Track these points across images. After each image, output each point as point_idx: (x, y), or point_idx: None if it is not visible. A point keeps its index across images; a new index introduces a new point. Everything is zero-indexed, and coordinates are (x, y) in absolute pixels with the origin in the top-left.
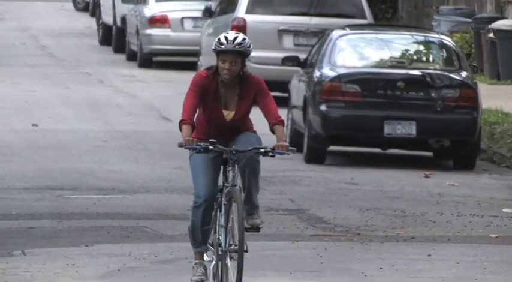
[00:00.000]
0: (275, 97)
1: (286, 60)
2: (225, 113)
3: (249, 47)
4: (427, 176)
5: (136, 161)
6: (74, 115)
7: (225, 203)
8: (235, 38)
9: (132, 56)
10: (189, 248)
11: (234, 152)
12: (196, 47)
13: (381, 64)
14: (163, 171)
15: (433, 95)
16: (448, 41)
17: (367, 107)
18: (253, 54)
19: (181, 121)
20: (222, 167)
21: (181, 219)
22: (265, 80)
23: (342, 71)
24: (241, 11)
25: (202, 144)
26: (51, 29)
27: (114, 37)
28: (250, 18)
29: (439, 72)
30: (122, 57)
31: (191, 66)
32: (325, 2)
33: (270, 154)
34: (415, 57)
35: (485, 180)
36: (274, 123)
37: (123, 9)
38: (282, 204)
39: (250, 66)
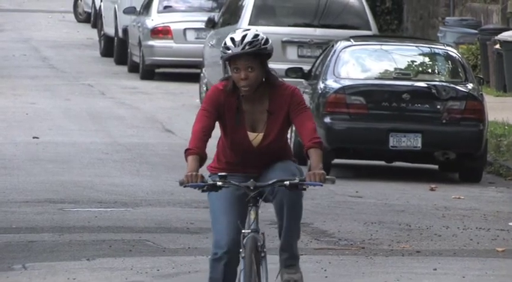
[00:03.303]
0: None
1: (289, 72)
2: (251, 135)
3: (266, 44)
4: (432, 189)
5: (138, 174)
6: (75, 127)
7: (243, 255)
8: (244, 36)
9: (134, 68)
10: (192, 262)
11: (252, 187)
12: (199, 58)
13: (385, 76)
14: (166, 184)
15: (438, 107)
16: (453, 52)
17: (372, 119)
18: None
19: (186, 151)
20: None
21: (183, 232)
22: None
23: (347, 82)
24: (244, 22)
25: (209, 180)
26: (52, 40)
27: (116, 48)
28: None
29: (444, 84)
30: (124, 68)
31: (194, 78)
32: (329, 13)
33: (300, 187)
34: (420, 68)
35: (492, 193)
36: (310, 146)
37: (125, 20)
38: None
39: None
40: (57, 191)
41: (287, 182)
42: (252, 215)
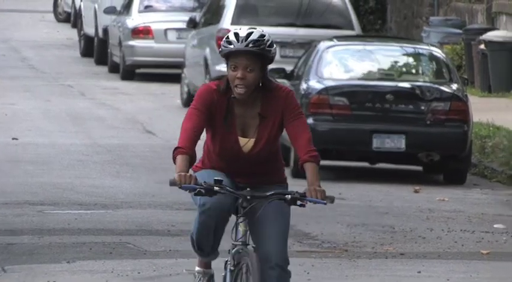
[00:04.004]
0: None
1: (272, 72)
2: (242, 141)
3: (271, 46)
4: (416, 191)
5: (119, 176)
6: (55, 128)
7: (232, 268)
8: (249, 34)
9: (114, 68)
10: (173, 264)
11: (248, 197)
12: (180, 58)
13: (369, 76)
14: (146, 186)
15: (422, 108)
16: (438, 52)
17: (355, 120)
18: None
19: (175, 149)
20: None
21: (164, 235)
22: None
23: (330, 83)
24: (226, 22)
25: (203, 183)
26: (31, 41)
27: (96, 49)
28: None
29: (428, 84)
30: (104, 69)
31: (175, 79)
32: (312, 13)
33: (299, 203)
34: (404, 69)
35: (476, 195)
36: (305, 160)
37: (105, 20)
38: None
39: None
40: (36, 192)
41: (288, 196)
42: (242, 228)
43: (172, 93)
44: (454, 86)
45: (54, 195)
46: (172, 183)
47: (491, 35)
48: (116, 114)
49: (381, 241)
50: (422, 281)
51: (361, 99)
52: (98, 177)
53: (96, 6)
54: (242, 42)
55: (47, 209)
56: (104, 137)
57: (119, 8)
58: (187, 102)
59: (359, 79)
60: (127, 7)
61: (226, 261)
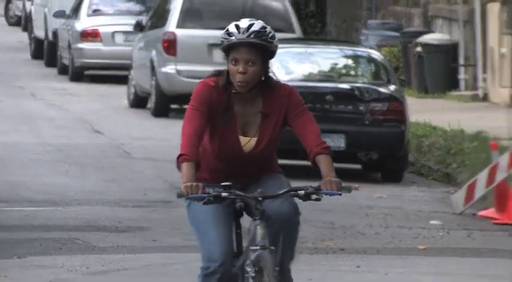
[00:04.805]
0: None
1: (219, 73)
2: (243, 140)
3: (273, 38)
4: (356, 189)
5: (68, 174)
6: (7, 128)
7: (253, 274)
8: (251, 25)
9: (63, 70)
10: (121, 260)
11: (260, 198)
12: (128, 61)
13: (309, 78)
14: (95, 184)
15: (361, 108)
16: (376, 55)
17: None
18: (183, 67)
19: (180, 157)
20: (234, 222)
21: (112, 231)
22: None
23: None
24: (171, 26)
25: (211, 190)
26: None
27: (46, 51)
28: (181, 33)
29: (367, 85)
30: (54, 71)
31: (122, 80)
32: (254, 16)
33: (315, 197)
34: (343, 71)
35: (413, 192)
36: (317, 152)
37: (55, 23)
38: None
39: (180, 80)
40: None
41: (301, 192)
42: (260, 231)
43: (119, 94)
44: (392, 87)
45: (6, 192)
46: (180, 195)
47: (427, 38)
48: (65, 115)
49: (322, 237)
50: (361, 276)
51: None
52: (49, 176)
53: (46, 10)
54: (244, 33)
55: None
56: (54, 136)
57: (68, 12)
58: (134, 103)
59: (300, 80)
60: (76, 11)
61: (234, 266)
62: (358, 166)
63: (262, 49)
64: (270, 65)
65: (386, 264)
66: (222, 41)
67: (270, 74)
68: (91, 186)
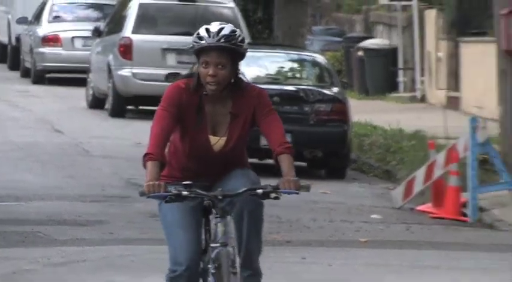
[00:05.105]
0: None
1: (169, 77)
2: (213, 139)
3: (242, 41)
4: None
5: (30, 171)
6: None
7: (214, 271)
8: (221, 29)
9: (26, 73)
10: (80, 252)
11: (220, 196)
12: (86, 64)
13: (257, 80)
14: (55, 180)
15: (306, 109)
16: (320, 59)
17: None
18: (138, 70)
19: (145, 156)
20: (204, 219)
21: (72, 224)
22: (150, 95)
23: None
24: (127, 31)
25: (173, 189)
26: None
27: (9, 55)
28: (136, 38)
29: (312, 88)
30: (17, 74)
31: (81, 83)
32: (205, 23)
33: (273, 195)
34: (289, 74)
35: (355, 188)
36: (280, 152)
37: (18, 29)
38: None
39: (135, 82)
40: None
41: (260, 191)
42: (220, 228)
43: (78, 96)
44: (335, 89)
45: None
46: (142, 193)
47: (368, 43)
48: (28, 115)
49: (269, 230)
50: (307, 267)
51: None
52: (12, 172)
53: (10, 16)
54: (214, 37)
55: None
56: (17, 135)
57: (30, 18)
58: (92, 104)
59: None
60: (37, 17)
61: (209, 266)
62: (303, 164)
63: (231, 52)
64: (239, 67)
65: (330, 256)
66: (193, 44)
67: (240, 76)
68: (52, 182)
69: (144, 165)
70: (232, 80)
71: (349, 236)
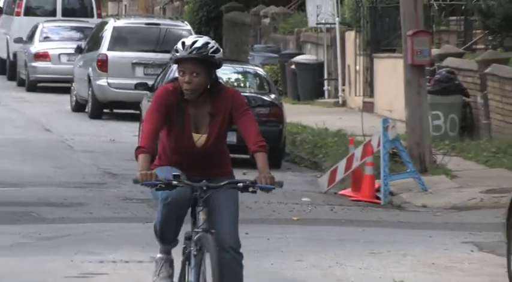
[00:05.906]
0: (131, 114)
1: (138, 86)
2: (196, 136)
3: (215, 52)
4: (244, 174)
5: (24, 162)
6: None
7: (195, 253)
8: (194, 42)
9: (21, 83)
10: (66, 228)
11: (204, 187)
12: (70, 76)
13: None
14: (44, 169)
15: None
16: (260, 71)
17: None
18: (112, 80)
19: (137, 149)
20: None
21: (59, 206)
22: (122, 101)
23: None
24: (104, 49)
25: (163, 178)
26: None
27: (7, 68)
28: (111, 54)
29: (253, 94)
30: (14, 83)
31: (66, 90)
32: (167, 42)
33: (251, 189)
34: (235, 83)
35: (289, 176)
36: (255, 150)
37: (15, 47)
38: (136, 195)
39: (110, 90)
40: None
41: (240, 184)
42: (202, 216)
43: (63, 101)
44: (272, 96)
45: None
46: (135, 181)
47: (299, 58)
48: (22, 117)
49: None
50: (249, 241)
51: None
52: (9, 163)
53: (8, 37)
54: (187, 50)
55: None
56: (13, 133)
57: (24, 39)
58: (75, 108)
59: None
60: (31, 38)
61: (184, 247)
62: (246, 156)
63: (204, 62)
64: (215, 73)
65: (269, 231)
66: (171, 56)
67: (219, 80)
68: (41, 171)
69: (136, 157)
70: (209, 86)
71: (284, 215)
